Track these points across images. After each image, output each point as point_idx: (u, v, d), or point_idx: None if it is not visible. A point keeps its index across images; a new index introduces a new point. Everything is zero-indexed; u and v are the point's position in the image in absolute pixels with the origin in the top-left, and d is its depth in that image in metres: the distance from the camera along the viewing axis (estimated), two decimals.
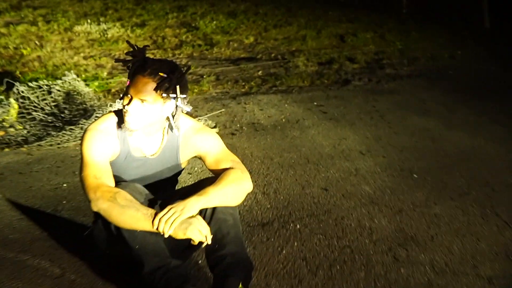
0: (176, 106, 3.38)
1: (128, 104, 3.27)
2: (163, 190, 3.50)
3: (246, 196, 3.43)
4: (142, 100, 3.26)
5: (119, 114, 3.46)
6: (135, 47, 3.41)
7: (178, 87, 3.33)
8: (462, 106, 7.03)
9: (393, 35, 10.30)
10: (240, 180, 3.36)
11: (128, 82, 3.30)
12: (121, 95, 3.50)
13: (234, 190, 3.32)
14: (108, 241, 3.42)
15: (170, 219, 3.09)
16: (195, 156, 3.59)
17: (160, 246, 3.23)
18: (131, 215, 3.14)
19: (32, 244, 3.96)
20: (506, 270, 3.76)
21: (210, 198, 3.22)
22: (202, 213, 3.23)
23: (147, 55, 3.41)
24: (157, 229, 3.09)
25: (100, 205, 3.18)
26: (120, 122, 3.44)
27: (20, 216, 4.35)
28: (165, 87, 3.31)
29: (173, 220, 3.09)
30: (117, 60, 3.51)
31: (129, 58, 3.37)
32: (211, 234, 3.15)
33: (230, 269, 3.21)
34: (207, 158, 3.51)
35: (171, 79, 3.31)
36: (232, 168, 3.41)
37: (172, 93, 3.33)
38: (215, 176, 3.39)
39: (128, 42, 3.72)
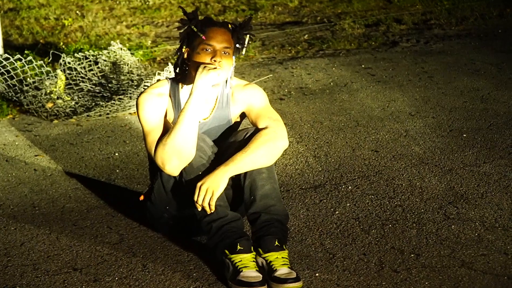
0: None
1: (215, 56, 3.36)
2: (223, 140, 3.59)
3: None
4: (226, 48, 3.39)
5: (174, 81, 3.60)
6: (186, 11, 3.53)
7: (247, 36, 3.54)
8: None
9: None
10: (271, 140, 3.41)
11: (203, 37, 3.36)
12: (179, 56, 3.55)
13: (265, 151, 3.37)
14: (169, 198, 3.53)
15: (206, 201, 3.26)
16: (243, 112, 3.66)
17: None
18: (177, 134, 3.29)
19: (89, 213, 4.13)
20: None
21: (240, 165, 3.32)
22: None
23: None
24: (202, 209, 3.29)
25: (158, 153, 3.33)
26: (176, 87, 3.57)
27: (75, 186, 4.52)
28: (238, 34, 3.51)
29: (208, 202, 3.26)
30: (182, 21, 3.51)
31: (186, 21, 3.46)
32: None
33: (265, 227, 3.31)
34: (251, 112, 3.60)
35: (242, 27, 3.52)
36: (266, 128, 3.46)
37: (242, 43, 3.52)
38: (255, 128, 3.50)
39: (181, 7, 3.83)
